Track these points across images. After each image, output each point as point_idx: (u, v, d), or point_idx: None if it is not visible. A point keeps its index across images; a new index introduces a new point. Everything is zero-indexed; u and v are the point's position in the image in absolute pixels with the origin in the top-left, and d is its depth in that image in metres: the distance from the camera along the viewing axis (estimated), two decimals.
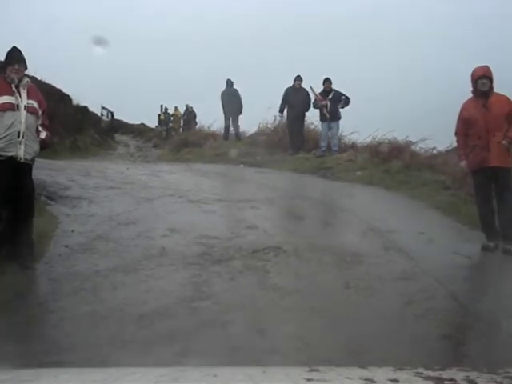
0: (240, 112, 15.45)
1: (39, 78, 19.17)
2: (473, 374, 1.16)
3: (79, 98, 20.03)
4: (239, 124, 15.77)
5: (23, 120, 4.46)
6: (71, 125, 18.03)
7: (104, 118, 22.94)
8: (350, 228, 6.31)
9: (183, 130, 22.80)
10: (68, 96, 19.55)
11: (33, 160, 4.70)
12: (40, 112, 4.72)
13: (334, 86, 12.18)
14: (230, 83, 15.68)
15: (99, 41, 18.67)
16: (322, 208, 7.53)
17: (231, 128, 15.59)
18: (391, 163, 10.37)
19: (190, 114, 22.97)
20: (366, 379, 1.08)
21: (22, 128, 4.44)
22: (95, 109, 22.23)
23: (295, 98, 12.57)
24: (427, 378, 1.12)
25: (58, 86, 19.32)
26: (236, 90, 15.66)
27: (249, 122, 16.18)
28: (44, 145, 4.89)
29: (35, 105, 4.64)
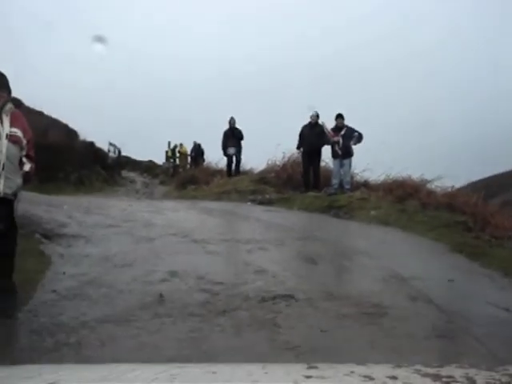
0: (241, 150, 15.26)
1: (46, 113, 19.11)
2: (471, 371, 1.14)
3: (86, 133, 19.82)
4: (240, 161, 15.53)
5: (4, 150, 3.96)
6: (77, 160, 17.75)
7: (111, 154, 22.71)
8: (369, 274, 5.72)
9: (191, 166, 22.49)
10: (74, 131, 19.36)
11: (15, 195, 4.19)
12: (24, 142, 4.22)
13: (346, 122, 11.79)
14: (232, 122, 15.39)
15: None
16: (337, 250, 6.95)
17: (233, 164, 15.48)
18: (407, 202, 9.85)
19: (197, 151, 22.69)
20: (364, 376, 1.08)
21: (3, 159, 3.94)
22: (102, 145, 22.02)
23: (309, 135, 12.19)
24: (425, 375, 1.11)
25: (64, 121, 19.18)
26: (240, 131, 15.37)
27: (257, 159, 15.83)
28: (28, 178, 4.39)
29: (19, 133, 4.15)
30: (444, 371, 1.14)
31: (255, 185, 13.23)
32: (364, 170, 13.03)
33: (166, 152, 24.58)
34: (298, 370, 1.17)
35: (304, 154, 12.61)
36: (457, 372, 1.14)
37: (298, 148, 12.83)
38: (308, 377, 1.08)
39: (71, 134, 18.79)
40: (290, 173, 13.39)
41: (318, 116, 12.49)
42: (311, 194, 11.65)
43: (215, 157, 18.17)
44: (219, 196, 13.02)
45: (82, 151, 18.47)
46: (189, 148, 23.91)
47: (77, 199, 11.32)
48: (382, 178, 12.43)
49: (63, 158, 16.99)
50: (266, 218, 9.32)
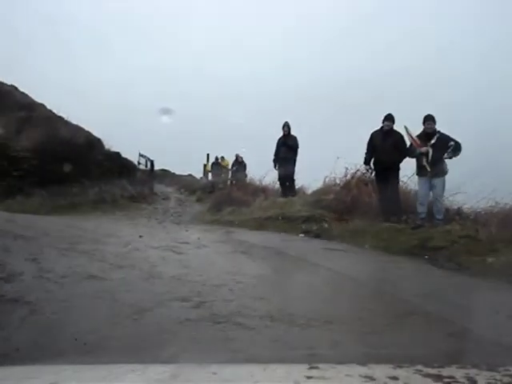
0: (294, 164, 12.36)
1: (65, 118, 16.69)
2: (472, 372, 1.13)
3: (113, 142, 17.29)
4: (295, 178, 12.61)
5: None
6: (98, 173, 15.21)
7: (142, 166, 20.12)
8: None
9: (231, 182, 19.69)
10: (98, 139, 16.85)
11: None
12: None
13: (438, 127, 8.62)
14: (286, 128, 12.56)
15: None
16: (464, 343, 3.77)
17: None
18: None
19: (239, 165, 19.87)
20: (365, 376, 1.07)
21: None
22: (132, 156, 19.45)
23: (383, 145, 9.11)
24: (426, 375, 1.10)
25: (87, 128, 16.71)
26: (295, 138, 12.56)
27: (311, 175, 12.78)
28: None
29: None
30: (445, 371, 1.12)
31: (309, 209, 10.16)
32: (456, 193, 9.77)
33: (204, 166, 21.78)
34: (299, 371, 1.16)
35: (377, 171, 9.50)
36: (458, 372, 1.12)
37: (367, 163, 9.72)
38: (309, 377, 1.07)
39: (93, 142, 16.28)
40: (354, 194, 10.26)
41: (393, 120, 9.38)
42: (388, 225, 8.50)
43: (259, 172, 15.28)
44: (262, 223, 10.03)
45: (104, 162, 15.94)
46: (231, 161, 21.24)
47: (73, 223, 8.54)
48: (482, 204, 9.18)
49: (81, 170, 14.44)
50: (330, 263, 6.25)
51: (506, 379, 1.07)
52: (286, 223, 9.65)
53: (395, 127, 9.32)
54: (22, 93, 16.96)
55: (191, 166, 28.53)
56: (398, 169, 9.24)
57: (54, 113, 16.83)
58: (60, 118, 16.32)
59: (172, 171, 32.52)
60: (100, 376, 1.19)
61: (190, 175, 30.00)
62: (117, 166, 16.72)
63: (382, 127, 9.44)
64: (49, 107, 17.30)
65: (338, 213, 9.83)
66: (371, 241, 7.81)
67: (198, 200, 20.21)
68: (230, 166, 21.29)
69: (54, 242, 6.43)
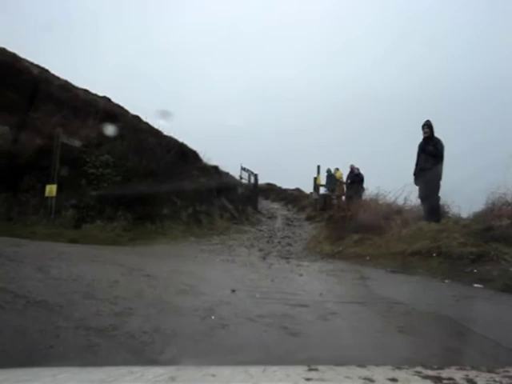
0: (437, 176, 9.21)
1: (156, 127, 14.73)
2: (472, 373, 1.11)
3: (210, 155, 15.13)
4: (439, 195, 9.42)
5: None
6: (193, 190, 13.00)
7: (244, 181, 17.83)
8: None
9: (346, 198, 16.76)
10: (194, 152, 14.73)
11: None
12: None
13: None
14: (426, 128, 9.55)
15: None
16: None
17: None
18: None
19: (354, 178, 16.90)
20: (364, 378, 1.04)
21: None
22: (233, 170, 17.22)
23: None
24: (426, 377, 1.07)
25: (180, 140, 14.60)
26: (437, 141, 9.48)
27: (463, 192, 9.52)
28: None
29: None
30: (444, 373, 1.10)
31: (476, 241, 6.97)
32: None
33: (315, 179, 18.99)
34: (298, 373, 1.13)
35: None
36: (457, 374, 1.10)
37: None
38: (308, 379, 1.04)
39: (188, 155, 14.17)
40: None
41: None
42: None
43: (385, 186, 12.11)
44: (406, 261, 7.03)
45: (200, 178, 13.74)
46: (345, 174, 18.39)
47: (140, 266, 6.09)
48: None
49: (173, 188, 12.27)
50: None
51: (505, 380, 1.03)
52: (445, 262, 6.59)
53: None
54: (113, 103, 15.29)
55: (299, 180, 26.01)
56: None
57: (144, 122, 14.96)
58: (150, 128, 14.40)
59: (278, 185, 30.38)
60: (99, 378, 1.14)
61: (297, 189, 27.60)
62: (215, 182, 14.50)
63: None
64: (143, 118, 15.48)
65: None
66: None
67: (309, 218, 17.54)
68: (344, 179, 18.44)
69: (89, 313, 3.94)
